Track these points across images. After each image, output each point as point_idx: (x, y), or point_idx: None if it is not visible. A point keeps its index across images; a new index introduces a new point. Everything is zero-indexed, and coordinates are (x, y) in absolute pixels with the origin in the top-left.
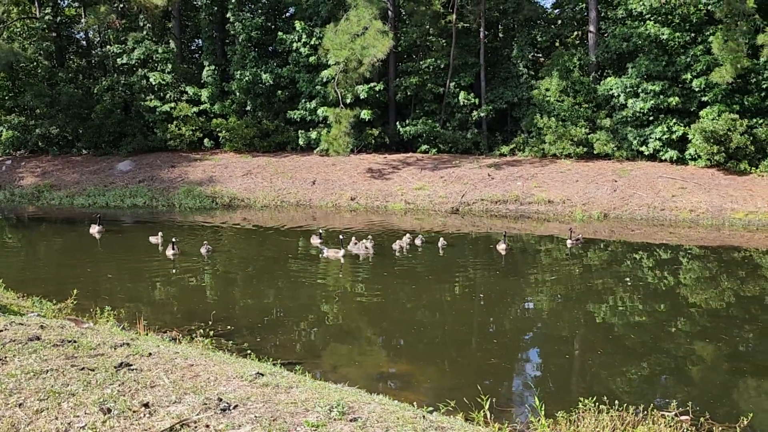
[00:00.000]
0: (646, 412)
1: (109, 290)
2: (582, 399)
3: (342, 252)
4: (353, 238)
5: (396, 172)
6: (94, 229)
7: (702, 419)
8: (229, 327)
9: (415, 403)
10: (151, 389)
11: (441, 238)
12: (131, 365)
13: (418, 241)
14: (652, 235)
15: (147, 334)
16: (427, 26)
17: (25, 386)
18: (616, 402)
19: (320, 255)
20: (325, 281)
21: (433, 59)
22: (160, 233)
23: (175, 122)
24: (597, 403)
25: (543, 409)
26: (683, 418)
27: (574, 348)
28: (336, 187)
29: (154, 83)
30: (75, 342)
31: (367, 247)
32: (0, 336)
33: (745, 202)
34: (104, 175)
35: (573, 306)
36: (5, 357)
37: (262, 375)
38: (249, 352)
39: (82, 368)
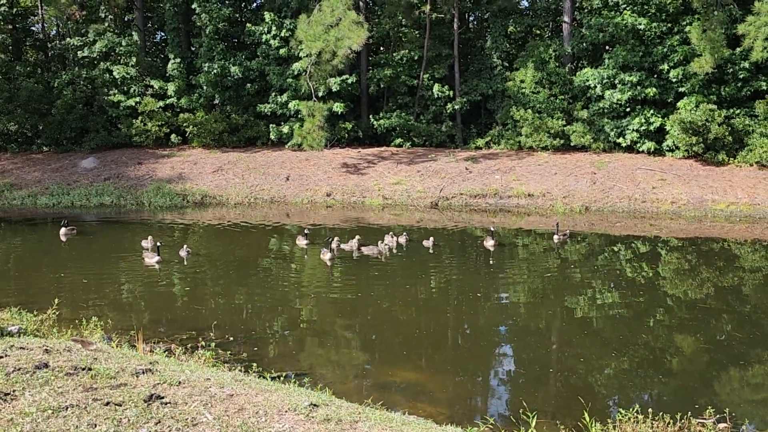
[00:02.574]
0: (683, 421)
1: (88, 298)
2: (622, 410)
3: (329, 255)
4: (335, 239)
5: (372, 166)
6: (63, 231)
7: (742, 427)
8: (227, 336)
9: (437, 416)
10: (193, 428)
11: (431, 237)
12: (163, 398)
13: (402, 240)
14: (633, 227)
15: (152, 352)
16: (401, 17)
17: (44, 428)
18: (650, 410)
19: (323, 254)
20: (317, 284)
21: (407, 51)
22: (150, 237)
23: (140, 117)
24: (636, 413)
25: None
26: (722, 426)
27: (586, 352)
28: (311, 182)
29: (117, 77)
30: (90, 369)
31: (386, 246)
32: (1, 364)
33: (725, 194)
34: (67, 173)
35: (580, 305)
36: (13, 391)
37: (317, 406)
38: (251, 363)
39: (107, 403)
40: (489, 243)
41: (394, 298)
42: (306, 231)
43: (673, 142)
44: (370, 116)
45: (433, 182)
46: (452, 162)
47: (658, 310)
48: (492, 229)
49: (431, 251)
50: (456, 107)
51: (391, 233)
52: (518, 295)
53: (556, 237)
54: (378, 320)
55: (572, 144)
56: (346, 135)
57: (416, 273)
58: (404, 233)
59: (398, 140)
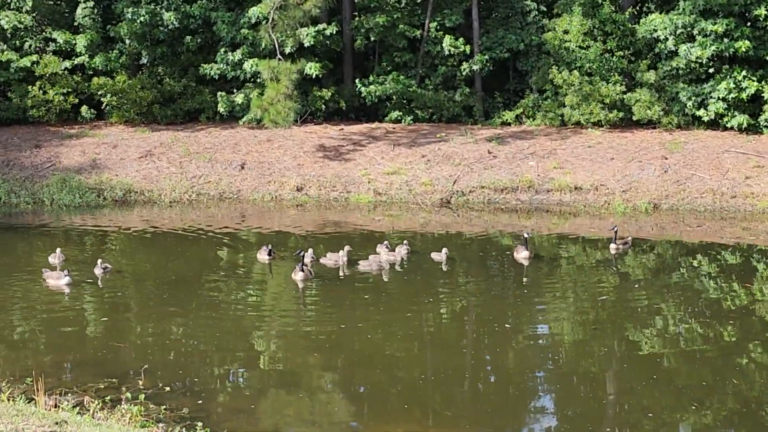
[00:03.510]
0: None
1: None
2: None
3: (301, 274)
4: (309, 252)
5: (359, 150)
6: None
7: None
8: (160, 385)
9: None
10: None
11: (443, 248)
12: None
13: (401, 252)
14: (719, 231)
15: (58, 408)
16: None
17: None
18: None
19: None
20: (285, 313)
21: None
22: (59, 249)
23: (38, 83)
24: None
25: None
26: None
27: (655, 404)
28: (275, 172)
29: (6, 27)
30: None
31: (381, 262)
32: None
33: None
34: None
35: (646, 340)
36: None
37: None
38: (195, 422)
39: None
40: (521, 255)
41: (390, 332)
42: (269, 245)
43: None
44: (357, 81)
45: (443, 171)
46: (470, 143)
47: (754, 346)
48: (526, 235)
49: (443, 267)
50: (475, 68)
51: (385, 243)
52: (561, 326)
53: (613, 246)
54: (368, 362)
55: (635, 118)
56: (324, 107)
57: (421, 297)
58: (404, 243)
59: (395, 114)
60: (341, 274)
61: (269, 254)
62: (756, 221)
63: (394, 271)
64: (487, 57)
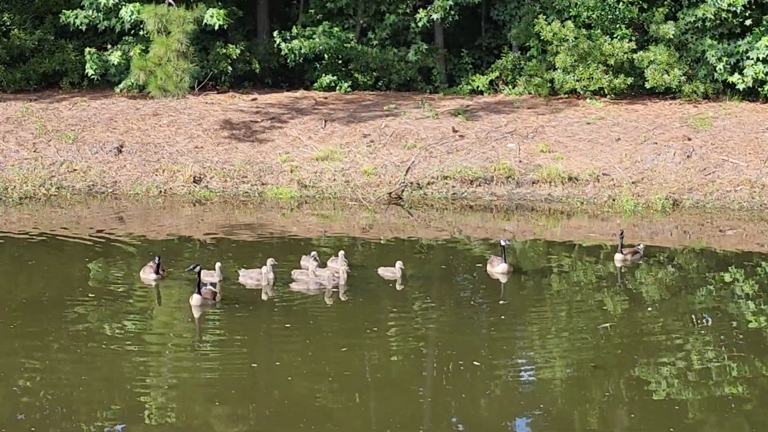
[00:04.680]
0: None
1: None
2: None
3: (197, 299)
4: (217, 269)
5: (278, 127)
6: None
7: None
8: None
9: None
10: None
11: (397, 262)
12: None
13: (338, 267)
14: (758, 236)
15: None
16: None
17: None
18: None
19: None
20: (177, 348)
21: None
22: None
23: None
24: None
25: None
26: None
27: None
28: (164, 157)
29: None
30: None
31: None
32: None
33: None
34: None
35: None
36: None
37: None
38: None
39: None
40: (498, 268)
41: (320, 373)
42: (157, 259)
43: None
44: (275, 34)
45: (392, 156)
46: (428, 118)
47: None
48: (503, 242)
49: (397, 286)
50: (434, 17)
51: (313, 255)
52: (550, 364)
53: (619, 256)
54: (290, 414)
55: (648, 86)
56: (230, 69)
57: (364, 326)
58: (340, 254)
59: (327, 78)
60: (264, 296)
61: (157, 271)
62: None
63: (329, 292)
64: (451, 2)
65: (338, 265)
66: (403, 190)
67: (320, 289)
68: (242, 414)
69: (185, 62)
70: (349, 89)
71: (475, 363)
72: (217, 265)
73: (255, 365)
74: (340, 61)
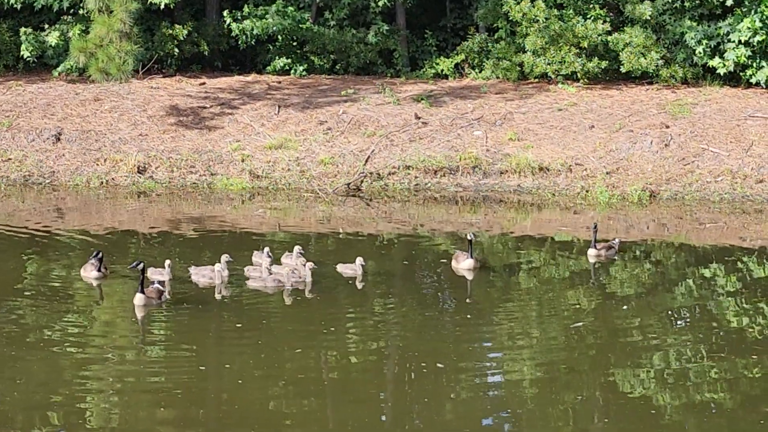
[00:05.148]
0: None
1: None
2: None
3: (141, 298)
4: (167, 267)
5: (228, 113)
6: None
7: None
8: None
9: None
10: None
11: (358, 258)
12: None
13: (293, 262)
14: (740, 230)
15: None
16: None
17: None
18: None
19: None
20: (121, 351)
21: None
22: None
23: None
24: None
25: None
26: None
27: None
28: (106, 146)
29: None
30: None
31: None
32: None
33: None
34: None
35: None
36: None
37: None
38: None
39: None
40: (463, 264)
41: (273, 376)
42: (98, 253)
43: None
44: (225, 14)
45: (351, 145)
46: (389, 104)
47: None
48: (470, 236)
49: (357, 284)
50: None
51: (265, 250)
52: (520, 366)
53: (593, 252)
54: (240, 418)
55: (624, 70)
56: (177, 51)
57: (320, 326)
58: (296, 248)
59: (281, 61)
60: (218, 294)
61: (99, 268)
62: None
63: (287, 291)
64: None
65: (294, 262)
66: (362, 181)
67: (278, 287)
68: (189, 419)
69: (128, 44)
70: (304, 73)
71: (438, 365)
72: (167, 262)
73: (203, 368)
74: (294, 43)
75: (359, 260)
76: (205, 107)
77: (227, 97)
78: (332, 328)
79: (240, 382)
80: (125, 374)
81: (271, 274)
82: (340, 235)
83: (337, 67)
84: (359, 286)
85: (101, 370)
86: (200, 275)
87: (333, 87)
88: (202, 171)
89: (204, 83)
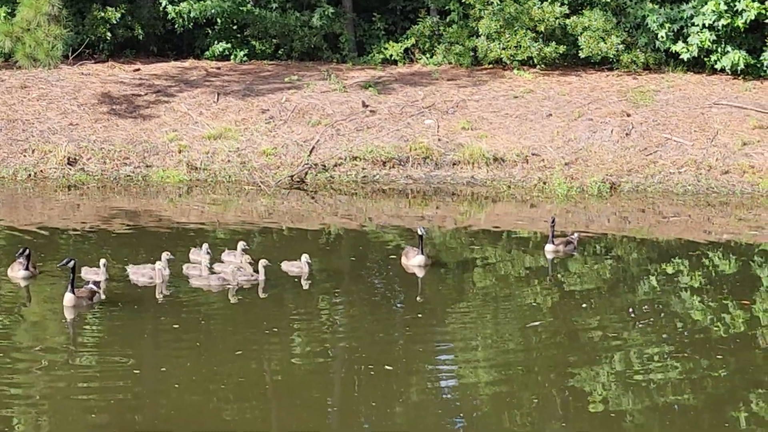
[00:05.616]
0: None
1: None
2: None
3: (71, 299)
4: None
5: (164, 101)
6: None
7: None
8: None
9: None
10: None
11: (303, 255)
12: None
13: (239, 260)
14: (705, 223)
15: None
16: None
17: None
18: None
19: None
20: (52, 355)
21: None
22: None
23: None
24: None
25: None
26: None
27: None
28: (33, 136)
29: None
30: None
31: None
32: None
33: None
34: None
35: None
36: None
37: None
38: None
39: None
40: (414, 261)
41: (212, 380)
42: (25, 252)
43: None
44: None
45: (294, 134)
46: (335, 92)
47: (757, 395)
48: (420, 231)
49: (303, 282)
50: None
51: (205, 247)
52: (474, 368)
53: (550, 247)
54: (178, 425)
55: (583, 55)
56: (110, 35)
57: (262, 326)
58: (241, 245)
59: (220, 46)
60: (159, 294)
61: (27, 267)
62: (758, 207)
63: (233, 290)
64: None
65: (237, 259)
66: (306, 173)
67: (224, 286)
68: (123, 426)
69: (58, 27)
70: (245, 59)
71: (387, 367)
72: (102, 261)
73: (137, 372)
74: (234, 27)
75: (305, 257)
76: (139, 95)
77: (163, 84)
78: (275, 329)
79: (177, 386)
80: (55, 379)
81: (212, 273)
82: (284, 231)
83: (280, 52)
84: (305, 284)
85: (29, 375)
86: (139, 274)
87: (275, 73)
88: (137, 163)
89: (138, 69)
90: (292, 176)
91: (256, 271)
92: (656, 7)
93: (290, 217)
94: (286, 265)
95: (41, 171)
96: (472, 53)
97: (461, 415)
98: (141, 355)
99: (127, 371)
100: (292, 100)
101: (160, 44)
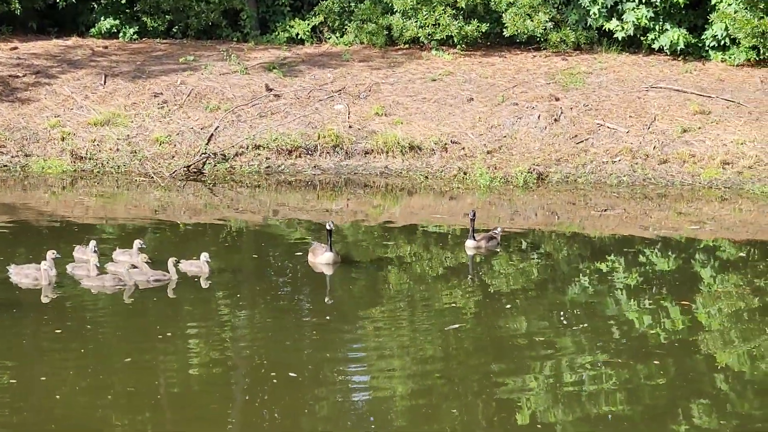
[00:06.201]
0: None
1: None
2: None
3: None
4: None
5: (46, 83)
6: None
7: None
8: None
9: None
10: None
11: (203, 254)
12: None
13: (136, 259)
14: (641, 217)
15: None
16: None
17: None
18: None
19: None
20: None
21: None
22: None
23: None
24: None
25: None
26: None
27: None
28: None
29: None
30: None
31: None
32: None
33: None
34: None
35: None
36: None
37: None
38: None
39: None
40: (322, 258)
41: (97, 389)
42: None
43: (726, 31)
44: None
45: (191, 120)
46: (236, 74)
47: (699, 406)
48: (329, 226)
49: (203, 282)
50: None
51: (92, 244)
52: (387, 374)
53: (471, 243)
54: None
55: (507, 34)
56: None
57: (155, 331)
58: (137, 243)
59: (107, 23)
60: (44, 297)
61: None
62: (699, 200)
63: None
64: None
65: (135, 259)
66: (204, 163)
67: (118, 287)
68: None
69: None
70: (135, 37)
71: (291, 375)
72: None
73: (14, 381)
74: (123, 1)
75: (204, 256)
76: (17, 76)
77: (44, 64)
78: (169, 334)
79: (57, 397)
80: None
81: (103, 273)
82: (180, 227)
83: (175, 29)
84: (204, 285)
85: None
86: (23, 275)
87: (169, 53)
88: (15, 151)
89: (16, 48)
90: (188, 167)
91: (167, 271)
92: None
93: (187, 211)
94: (184, 265)
95: None
96: (386, 32)
97: (373, 428)
98: (19, 363)
99: (1, 381)
100: (187, 83)
101: (39, 20)
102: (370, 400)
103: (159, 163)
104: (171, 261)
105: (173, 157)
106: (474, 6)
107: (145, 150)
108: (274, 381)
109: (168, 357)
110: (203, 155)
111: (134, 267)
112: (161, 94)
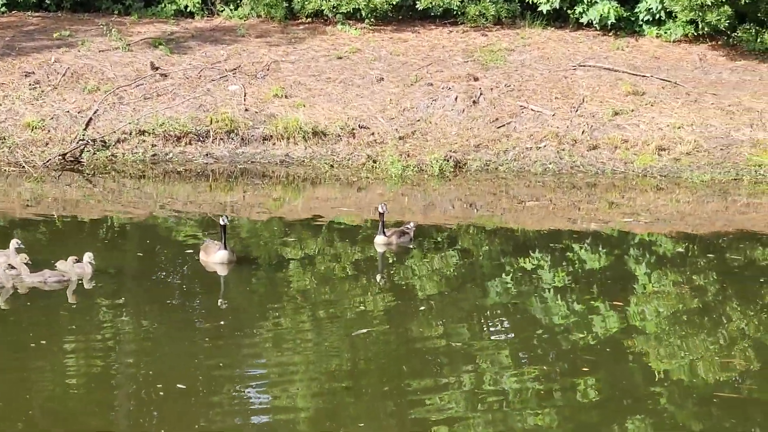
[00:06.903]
0: None
1: None
2: None
3: None
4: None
5: None
6: None
7: None
8: None
9: None
10: None
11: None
12: None
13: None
14: (569, 208)
15: None
16: None
17: None
18: None
19: None
20: None
21: None
22: None
23: None
24: None
25: None
26: None
27: None
28: None
29: None
30: None
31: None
32: None
33: None
34: None
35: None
36: None
37: None
38: None
39: None
40: (216, 257)
41: None
42: None
43: (661, 4)
44: None
45: (67, 103)
46: (117, 51)
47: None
48: (223, 221)
49: (85, 283)
50: None
51: None
52: (287, 385)
53: (381, 239)
54: None
55: (420, 7)
56: None
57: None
58: (14, 242)
59: None
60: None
61: None
62: (632, 190)
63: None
64: None
65: (13, 259)
66: (82, 151)
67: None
68: None
69: None
70: (3, 9)
71: (180, 386)
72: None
73: None
74: None
75: (88, 256)
76: None
77: None
78: (43, 341)
79: None
80: None
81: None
82: (56, 223)
83: (48, 1)
84: (87, 286)
85: None
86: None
87: (42, 28)
88: None
89: None
90: (63, 155)
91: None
92: None
93: (63, 204)
94: (61, 264)
95: None
96: (286, 4)
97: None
98: None
99: None
100: (63, 61)
101: None
102: (269, 411)
103: (31, 151)
104: (71, 259)
105: (47, 144)
106: None
107: (15, 136)
108: (161, 393)
109: (42, 369)
110: (81, 142)
111: (12, 267)
112: (33, 73)
